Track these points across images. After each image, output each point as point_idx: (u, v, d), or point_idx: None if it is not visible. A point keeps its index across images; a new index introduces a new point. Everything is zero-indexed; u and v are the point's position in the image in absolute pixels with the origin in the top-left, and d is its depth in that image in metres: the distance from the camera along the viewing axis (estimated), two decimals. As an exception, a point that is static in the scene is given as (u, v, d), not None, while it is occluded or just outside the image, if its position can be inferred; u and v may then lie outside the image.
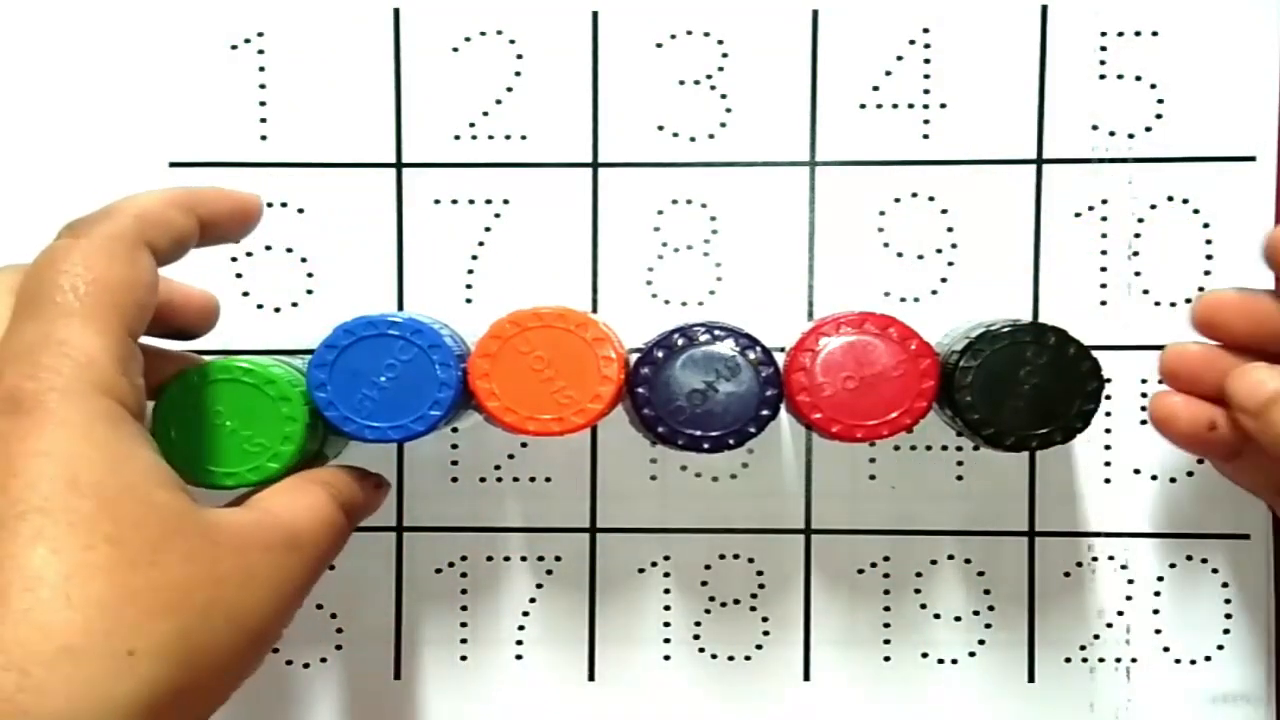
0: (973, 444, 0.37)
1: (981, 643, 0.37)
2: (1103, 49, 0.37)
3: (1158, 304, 0.37)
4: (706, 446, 0.31)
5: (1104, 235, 0.37)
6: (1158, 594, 0.37)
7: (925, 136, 0.37)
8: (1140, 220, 0.37)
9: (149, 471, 0.25)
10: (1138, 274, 0.37)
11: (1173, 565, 0.37)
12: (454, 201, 0.37)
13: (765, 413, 0.31)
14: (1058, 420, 0.31)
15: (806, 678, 0.38)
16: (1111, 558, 0.37)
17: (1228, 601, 0.37)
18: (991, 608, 0.37)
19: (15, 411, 0.24)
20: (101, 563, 0.24)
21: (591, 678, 0.38)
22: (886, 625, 0.38)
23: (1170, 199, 0.37)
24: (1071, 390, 0.31)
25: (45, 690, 0.22)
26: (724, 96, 0.37)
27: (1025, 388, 0.31)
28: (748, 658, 0.38)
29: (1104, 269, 0.37)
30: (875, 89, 0.37)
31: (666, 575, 0.38)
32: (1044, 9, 0.37)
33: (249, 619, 0.26)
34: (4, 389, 0.25)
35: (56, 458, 0.24)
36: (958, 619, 0.37)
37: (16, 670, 0.22)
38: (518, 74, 0.37)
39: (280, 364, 0.32)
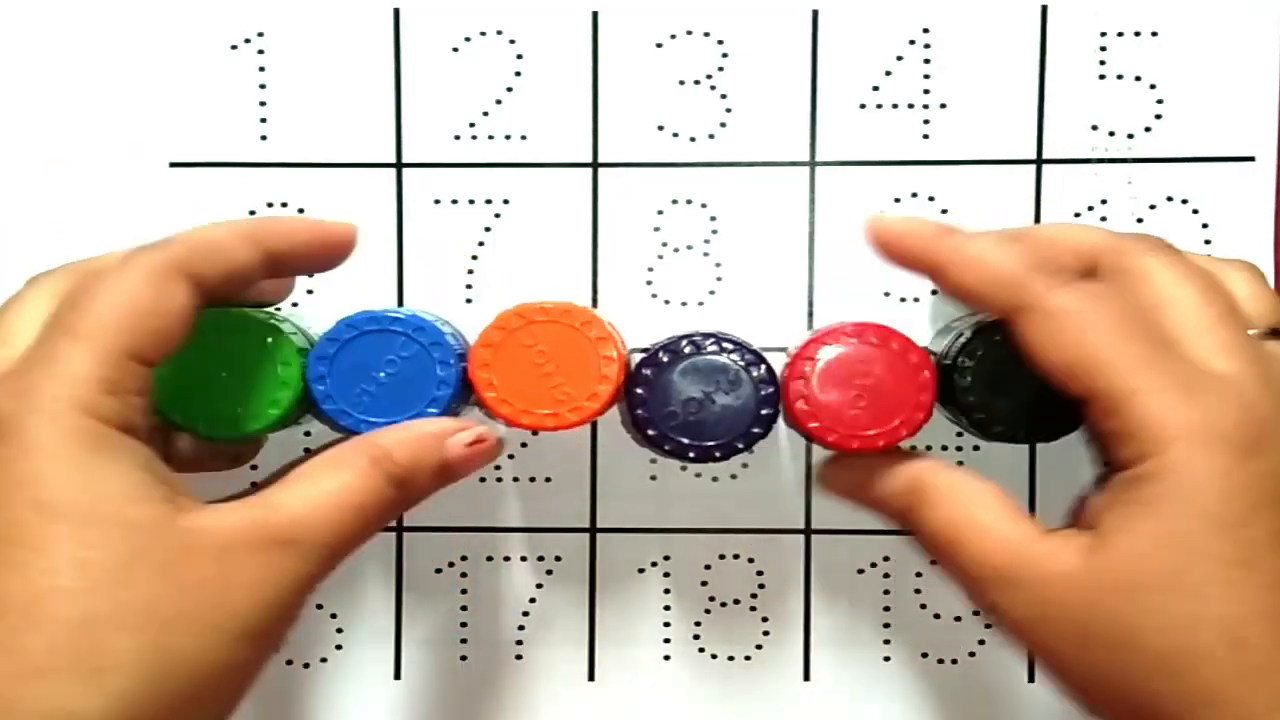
0: (975, 438, 0.37)
1: (981, 643, 0.37)
2: (1103, 49, 0.37)
3: (1158, 304, 0.37)
4: (692, 455, 0.31)
5: (1104, 235, 0.37)
6: (1158, 594, 0.37)
7: (925, 136, 0.37)
8: (1140, 220, 0.37)
9: (124, 488, 0.25)
10: (1138, 274, 0.37)
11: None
12: (454, 201, 0.37)
13: (756, 430, 0.31)
14: (1062, 412, 0.31)
15: (806, 678, 0.38)
16: (1111, 558, 0.37)
17: (1228, 601, 0.37)
18: (991, 608, 0.37)
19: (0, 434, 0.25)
20: (68, 586, 0.24)
21: (591, 678, 0.38)
22: (886, 625, 0.38)
23: (1170, 199, 0.37)
24: None
25: (15, 710, 0.23)
26: (724, 96, 0.37)
27: (1027, 379, 0.31)
28: (748, 658, 0.38)
29: (1104, 269, 0.37)
30: (875, 89, 0.37)
31: (666, 575, 0.38)
32: (1044, 9, 0.37)
33: (231, 623, 0.26)
34: None
35: (26, 483, 0.25)
36: (958, 619, 0.37)
37: None
38: (518, 74, 0.37)
39: (294, 326, 0.32)
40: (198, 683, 0.25)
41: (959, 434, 0.37)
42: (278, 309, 0.33)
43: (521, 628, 0.38)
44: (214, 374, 0.30)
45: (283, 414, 0.31)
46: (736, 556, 0.38)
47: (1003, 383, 0.31)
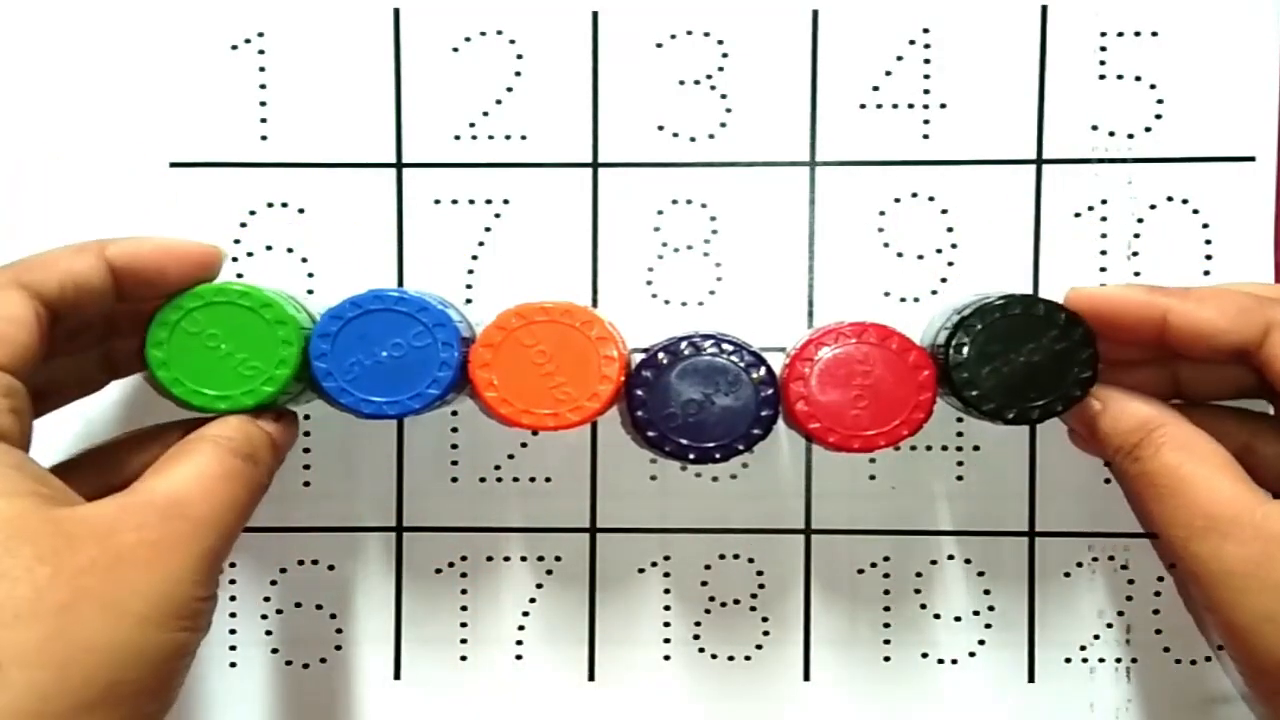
0: (974, 428, 0.37)
1: (981, 643, 0.37)
2: (1103, 49, 0.37)
3: (1158, 304, 0.37)
4: (691, 457, 0.31)
5: (1104, 235, 0.37)
6: (1158, 594, 0.37)
7: (925, 136, 0.37)
8: (1140, 220, 0.37)
9: None
10: (1137, 274, 0.37)
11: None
12: (454, 201, 0.37)
13: (756, 431, 0.31)
14: (1056, 389, 0.31)
15: (806, 678, 0.38)
16: (1111, 558, 0.37)
17: (1228, 601, 0.37)
18: (991, 608, 0.37)
19: None
20: None
21: (591, 678, 0.38)
22: (886, 625, 0.38)
23: (1170, 199, 0.37)
24: (1066, 359, 0.31)
25: None
26: (724, 96, 0.37)
27: (1021, 359, 0.31)
28: (748, 658, 0.38)
29: (1104, 269, 0.37)
30: (875, 89, 0.37)
31: (666, 575, 0.38)
32: (1044, 9, 0.37)
33: (132, 602, 0.25)
34: None
35: None
36: (958, 619, 0.37)
37: None
38: (518, 74, 0.37)
39: (278, 291, 0.32)
40: (115, 668, 0.25)
41: (959, 434, 0.37)
42: (292, 296, 0.33)
43: (521, 628, 0.38)
44: (213, 351, 0.31)
45: (294, 371, 0.31)
46: (736, 556, 0.38)
47: (997, 359, 0.31)
